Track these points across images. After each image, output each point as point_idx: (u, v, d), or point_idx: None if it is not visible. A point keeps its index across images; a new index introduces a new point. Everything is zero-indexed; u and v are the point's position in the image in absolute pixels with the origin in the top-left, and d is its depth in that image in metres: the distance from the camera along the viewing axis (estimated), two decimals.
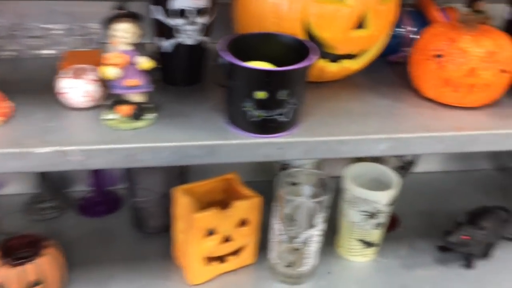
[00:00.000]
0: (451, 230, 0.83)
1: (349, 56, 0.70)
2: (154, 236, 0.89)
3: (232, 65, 0.56)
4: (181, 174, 0.84)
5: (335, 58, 0.69)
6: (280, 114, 0.58)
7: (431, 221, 0.99)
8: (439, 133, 0.64)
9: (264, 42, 0.63)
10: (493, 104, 0.70)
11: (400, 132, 0.63)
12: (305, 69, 0.57)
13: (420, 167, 1.13)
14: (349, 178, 0.81)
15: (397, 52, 0.81)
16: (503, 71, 0.65)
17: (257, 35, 0.64)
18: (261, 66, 0.57)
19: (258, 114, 0.58)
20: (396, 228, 0.96)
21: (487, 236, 0.85)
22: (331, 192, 0.77)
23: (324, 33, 0.65)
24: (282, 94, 0.56)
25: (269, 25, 0.66)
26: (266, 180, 1.02)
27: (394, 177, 0.82)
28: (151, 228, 0.89)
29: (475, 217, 0.86)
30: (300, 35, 0.65)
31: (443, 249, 0.90)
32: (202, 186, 0.79)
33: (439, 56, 0.65)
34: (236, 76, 0.57)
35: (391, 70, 0.81)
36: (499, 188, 1.11)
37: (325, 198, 0.76)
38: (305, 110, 0.65)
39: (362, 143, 0.62)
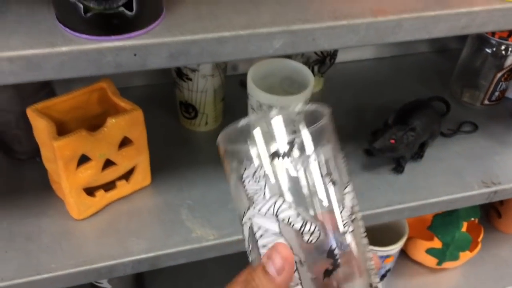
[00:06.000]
0: (378, 134, 0.71)
1: None
2: (26, 163, 0.73)
3: None
4: (42, 87, 0.66)
5: None
6: (126, 6, 0.41)
7: (359, 119, 0.87)
8: (352, 21, 0.48)
9: None
10: None
11: (300, 23, 0.47)
12: None
13: (348, 55, 0.98)
14: (252, 81, 0.66)
15: None
16: None
17: None
18: None
19: (90, 5, 0.40)
20: None
21: (418, 136, 0.74)
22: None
23: None
24: None
25: None
26: (165, 82, 0.87)
27: (309, 76, 0.68)
28: (20, 154, 0.72)
29: (405, 115, 0.74)
30: None
31: (371, 153, 0.79)
32: (65, 101, 0.62)
33: None
34: None
35: None
36: (438, 73, 0.98)
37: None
38: None
39: (248, 41, 0.46)
